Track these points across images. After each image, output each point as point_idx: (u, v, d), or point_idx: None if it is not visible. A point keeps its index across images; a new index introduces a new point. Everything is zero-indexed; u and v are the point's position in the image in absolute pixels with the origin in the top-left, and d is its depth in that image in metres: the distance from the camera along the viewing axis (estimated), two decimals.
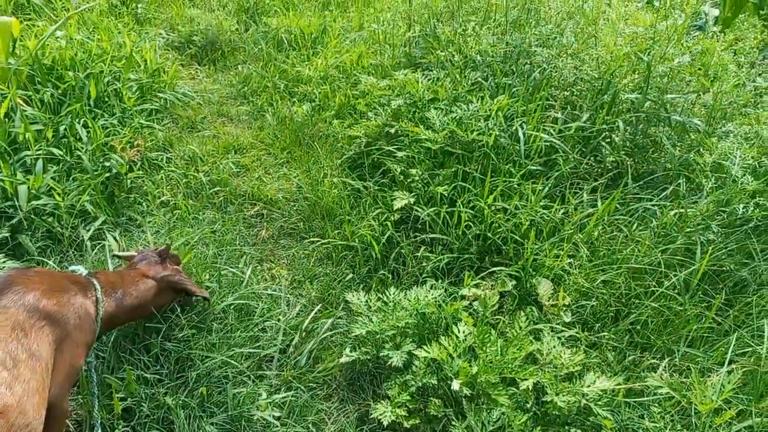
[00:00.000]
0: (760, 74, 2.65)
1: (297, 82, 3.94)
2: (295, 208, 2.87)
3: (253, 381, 1.95)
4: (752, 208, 2.22)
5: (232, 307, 2.18)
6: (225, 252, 2.49)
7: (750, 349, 1.82)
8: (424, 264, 2.42)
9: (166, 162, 3.07)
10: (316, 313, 2.25)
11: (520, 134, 2.68)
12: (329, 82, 3.85)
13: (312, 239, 2.66)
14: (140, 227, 2.60)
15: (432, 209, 2.50)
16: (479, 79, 3.12)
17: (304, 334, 2.17)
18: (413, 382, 1.84)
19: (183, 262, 2.24)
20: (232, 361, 1.95)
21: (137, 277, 1.87)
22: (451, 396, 1.85)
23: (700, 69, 2.91)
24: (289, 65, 4.11)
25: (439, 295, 2.12)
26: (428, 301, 2.07)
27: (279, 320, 2.19)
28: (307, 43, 4.43)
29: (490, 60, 3.19)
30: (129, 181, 2.82)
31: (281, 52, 4.35)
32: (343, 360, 2.00)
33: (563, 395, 1.68)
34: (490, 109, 2.81)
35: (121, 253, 2.14)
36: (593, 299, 2.11)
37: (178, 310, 2.08)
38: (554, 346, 1.84)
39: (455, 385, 1.69)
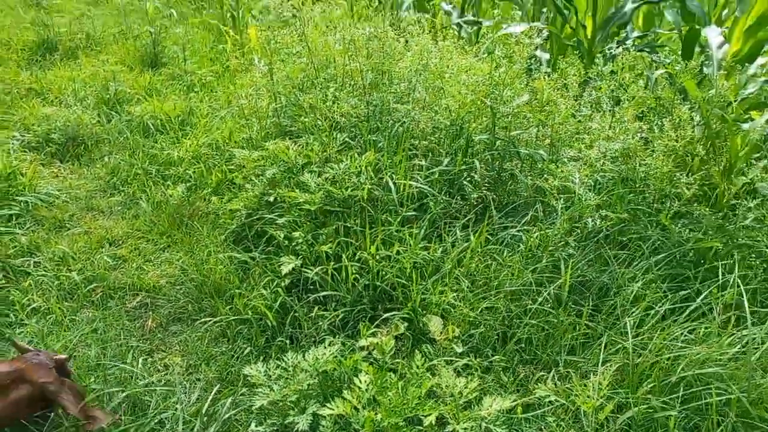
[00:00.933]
0: (582, 105, 3.05)
1: (169, 165, 3.90)
2: (181, 292, 2.79)
3: None
4: (599, 220, 2.51)
5: (124, 405, 2.06)
6: (109, 350, 2.35)
7: (620, 346, 2.02)
8: (320, 323, 2.45)
9: (34, 267, 2.87)
10: (215, 394, 2.18)
11: (391, 184, 2.85)
12: (203, 160, 3.85)
13: (203, 320, 2.60)
14: (8, 340, 2.39)
15: (319, 268, 2.56)
16: (347, 139, 3.29)
17: (205, 418, 2.08)
18: None
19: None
20: None
21: (12, 383, 1.73)
22: None
23: (536, 106, 3.29)
24: (158, 149, 4.06)
25: (338, 350, 2.15)
26: (327, 358, 2.09)
27: (177, 410, 2.09)
28: (174, 125, 4.42)
29: (354, 120, 3.39)
30: None
31: (149, 138, 4.30)
32: None
33: (464, 422, 1.76)
34: (359, 166, 2.96)
35: (19, 343, 1.98)
36: (480, 326, 2.25)
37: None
38: (451, 378, 1.93)
39: None
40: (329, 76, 3.76)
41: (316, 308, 2.50)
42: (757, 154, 2.85)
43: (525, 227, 2.66)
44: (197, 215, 3.37)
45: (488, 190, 2.95)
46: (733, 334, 1.87)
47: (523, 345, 2.18)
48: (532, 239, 2.55)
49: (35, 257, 2.94)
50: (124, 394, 2.06)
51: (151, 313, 2.67)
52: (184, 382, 2.27)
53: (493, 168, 3.09)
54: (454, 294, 2.40)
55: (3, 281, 2.70)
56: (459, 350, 2.14)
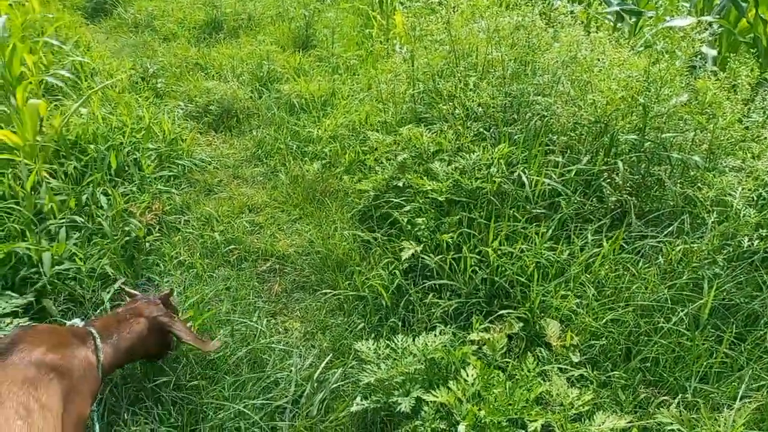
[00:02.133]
0: (753, 111, 2.70)
1: (308, 142, 4.11)
2: (307, 262, 2.94)
3: None
4: (757, 241, 2.23)
5: (245, 360, 2.23)
6: (239, 307, 2.55)
7: (764, 383, 1.79)
8: (432, 310, 2.45)
9: (184, 224, 3.19)
10: (327, 363, 2.27)
11: (524, 179, 2.75)
12: (339, 140, 4.01)
13: (324, 291, 2.72)
14: (158, 287, 2.69)
15: (439, 257, 2.55)
16: (481, 130, 3.23)
17: (316, 384, 2.19)
18: (422, 428, 1.84)
19: (199, 321, 2.32)
20: (247, 411, 1.98)
21: (131, 318, 1.95)
22: None
23: (696, 107, 2.98)
24: (300, 127, 4.29)
25: (448, 340, 2.13)
26: (436, 346, 2.09)
27: (291, 372, 2.22)
28: (317, 105, 4.64)
29: (491, 111, 3.31)
30: (148, 243, 2.93)
31: (293, 116, 4.55)
32: (353, 409, 2.01)
33: None
34: (492, 158, 2.89)
35: (127, 288, 2.23)
36: (602, 338, 2.11)
37: (184, 360, 2.13)
38: (563, 387, 1.83)
39: (461, 428, 1.69)
40: (470, 65, 3.71)
41: (431, 295, 2.50)
42: None
43: (667, 239, 2.43)
44: (329, 192, 3.51)
45: (629, 195, 2.73)
46: None
47: (648, 365, 2.00)
48: (673, 252, 2.32)
49: (185, 216, 3.26)
50: (246, 349, 2.22)
51: (278, 278, 2.85)
52: (301, 347, 2.40)
53: (638, 171, 2.85)
54: (578, 300, 2.27)
55: (158, 234, 3.03)
56: (576, 360, 2.02)
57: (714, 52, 4.24)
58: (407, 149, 3.28)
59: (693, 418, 1.63)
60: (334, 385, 2.17)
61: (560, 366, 2.00)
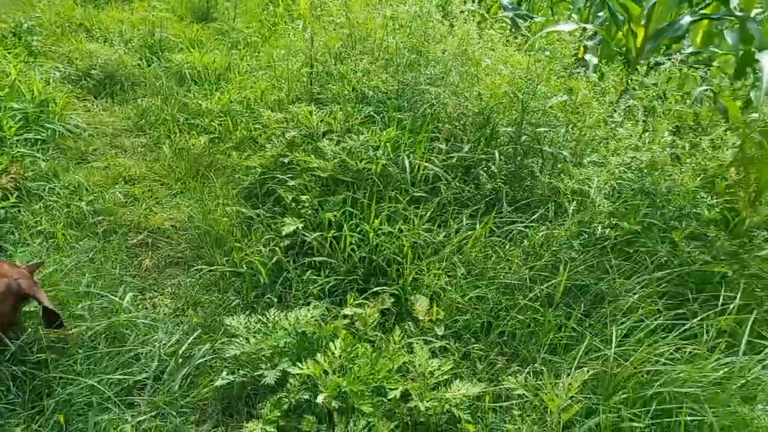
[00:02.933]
0: (615, 111, 2.94)
1: (197, 115, 3.94)
2: (184, 237, 2.83)
3: (120, 408, 1.87)
4: (609, 229, 2.43)
5: (103, 335, 2.10)
6: (102, 281, 2.40)
7: (601, 353, 1.96)
8: (310, 287, 2.45)
9: (48, 192, 2.95)
10: (195, 339, 2.20)
11: (406, 163, 2.82)
12: (231, 116, 3.88)
13: (199, 267, 2.63)
14: (11, 257, 2.46)
15: (318, 234, 2.55)
16: (372, 113, 3.26)
17: (181, 360, 2.11)
18: (286, 400, 1.84)
19: (52, 293, 2.16)
20: (99, 386, 1.87)
21: None
22: (327, 412, 1.86)
23: (570, 106, 3.20)
24: (190, 99, 4.11)
25: (320, 315, 2.14)
26: (308, 320, 2.09)
27: (155, 347, 2.13)
28: (210, 78, 4.46)
29: (382, 96, 3.35)
30: (3, 210, 2.68)
31: (183, 87, 4.35)
32: (218, 383, 1.96)
33: (428, 401, 1.73)
34: (379, 140, 2.93)
35: None
36: (467, 313, 2.21)
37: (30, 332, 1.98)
38: (425, 358, 1.91)
39: (319, 398, 1.71)
40: (365, 49, 3.73)
41: (309, 272, 2.50)
42: None
43: (533, 224, 2.59)
44: (215, 167, 3.40)
45: (504, 183, 2.89)
46: (720, 359, 1.79)
47: (505, 338, 2.13)
48: (537, 237, 2.48)
49: (51, 184, 3.01)
50: (104, 324, 2.10)
51: (150, 253, 2.72)
52: (168, 323, 2.31)
53: (513, 162, 3.02)
54: (448, 279, 2.37)
55: (16, 200, 2.78)
56: (440, 333, 2.11)
57: (595, 60, 4.57)
58: (298, 127, 3.25)
59: (537, 383, 1.76)
60: (200, 360, 2.10)
61: (426, 339, 2.08)
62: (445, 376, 1.87)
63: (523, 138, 3.06)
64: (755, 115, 2.68)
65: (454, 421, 1.81)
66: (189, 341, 2.17)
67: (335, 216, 2.64)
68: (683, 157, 2.66)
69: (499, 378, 1.95)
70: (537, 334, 2.12)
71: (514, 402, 1.84)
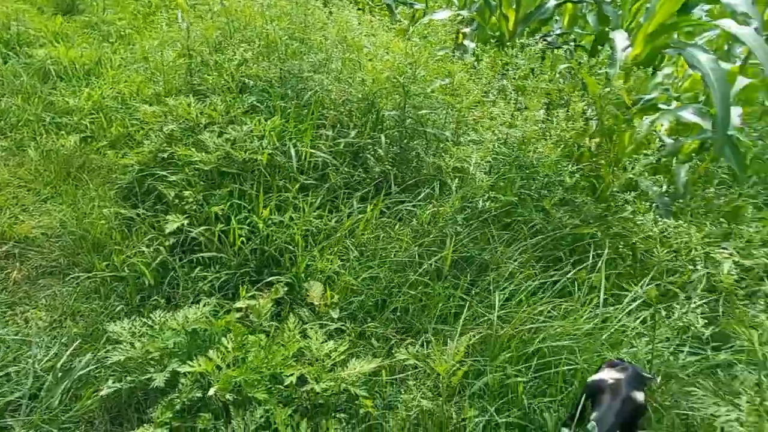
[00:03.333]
0: (490, 92, 3.11)
1: (65, 113, 3.65)
2: (57, 245, 2.63)
3: None
4: (489, 202, 2.57)
5: None
6: None
7: (485, 318, 2.07)
8: (200, 284, 2.37)
9: None
10: (74, 350, 2.06)
11: (292, 151, 2.80)
12: (104, 112, 3.64)
13: (76, 275, 2.45)
14: None
15: (203, 228, 2.47)
16: (255, 103, 3.19)
17: (60, 374, 1.97)
18: (178, 400, 1.77)
19: None
20: None
21: None
22: (223, 406, 1.82)
23: (449, 89, 3.32)
24: (56, 96, 3.80)
25: (210, 311, 2.08)
26: (197, 317, 2.02)
27: (28, 364, 1.96)
28: (78, 74, 4.15)
29: (264, 85, 3.29)
30: None
31: (47, 84, 4.01)
32: (103, 393, 1.85)
33: (324, 383, 1.75)
34: (263, 130, 2.88)
35: None
36: (361, 294, 2.25)
37: None
38: (319, 341, 1.91)
39: (210, 391, 1.67)
40: (245, 38, 3.64)
41: (198, 269, 2.41)
42: (649, 152, 2.98)
43: (420, 203, 2.67)
44: (88, 168, 3.18)
45: (392, 166, 2.95)
46: (591, 311, 1.96)
47: (399, 314, 2.20)
48: (424, 215, 2.56)
49: None
50: None
51: (18, 264, 2.49)
52: (44, 337, 2.14)
53: (399, 144, 3.09)
54: (341, 263, 2.39)
55: None
56: (335, 315, 2.13)
57: (473, 45, 4.77)
58: (177, 121, 3.11)
59: (428, 352, 1.83)
60: (82, 372, 1.97)
61: (321, 323, 2.08)
62: (342, 357, 1.89)
63: (408, 121, 3.14)
64: (609, 88, 2.93)
65: (352, 399, 1.84)
66: (68, 353, 2.02)
67: (222, 209, 2.57)
68: (549, 130, 2.87)
69: (396, 352, 2.00)
70: (428, 306, 2.19)
71: (408, 373, 1.90)
